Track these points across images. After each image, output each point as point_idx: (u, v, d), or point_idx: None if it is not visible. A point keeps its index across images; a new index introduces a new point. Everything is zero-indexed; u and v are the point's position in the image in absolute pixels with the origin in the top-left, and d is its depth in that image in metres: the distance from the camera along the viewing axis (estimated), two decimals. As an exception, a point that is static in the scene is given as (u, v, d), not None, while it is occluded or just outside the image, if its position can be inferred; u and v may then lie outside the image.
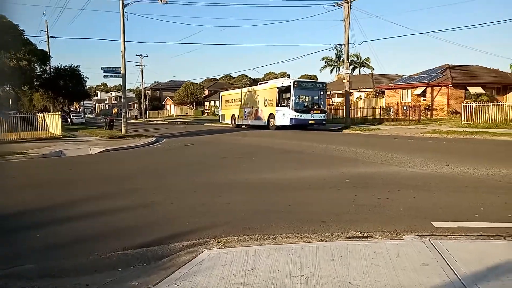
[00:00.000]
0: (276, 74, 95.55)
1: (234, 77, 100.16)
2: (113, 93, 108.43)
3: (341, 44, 29.36)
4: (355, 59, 56.81)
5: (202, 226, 5.07)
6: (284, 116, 24.55)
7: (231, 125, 32.58)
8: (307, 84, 26.41)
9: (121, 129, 24.00)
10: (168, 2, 24.17)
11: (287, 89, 24.85)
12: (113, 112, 74.61)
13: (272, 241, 4.37)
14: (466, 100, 29.59)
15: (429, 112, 32.23)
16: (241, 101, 31.41)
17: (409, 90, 34.85)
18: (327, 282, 3.22)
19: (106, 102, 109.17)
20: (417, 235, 4.35)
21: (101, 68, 24.33)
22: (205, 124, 41.75)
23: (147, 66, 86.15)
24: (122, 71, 23.76)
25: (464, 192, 6.74)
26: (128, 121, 24.99)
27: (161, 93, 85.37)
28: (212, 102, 74.29)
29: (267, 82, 29.76)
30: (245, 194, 7.07)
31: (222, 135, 23.69)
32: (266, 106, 27.14)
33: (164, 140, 20.60)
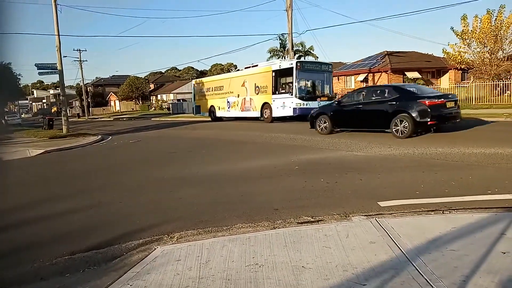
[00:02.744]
0: (222, 65, 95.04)
1: (180, 70, 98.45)
2: (51, 91, 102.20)
3: (285, 34, 29.72)
4: (300, 47, 57.73)
5: (154, 223, 4.96)
6: (285, 105, 20.56)
7: (209, 118, 28.55)
8: (312, 65, 21.84)
9: (62, 129, 22.77)
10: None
11: (287, 72, 20.67)
12: (52, 111, 70.47)
13: (226, 233, 4.37)
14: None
15: (372, 97, 33.63)
16: (221, 89, 27.00)
17: (352, 77, 36.18)
18: (281, 268, 3.28)
19: (44, 101, 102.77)
20: (364, 215, 4.55)
21: (35, 65, 22.80)
22: (152, 119, 40.68)
23: (86, 61, 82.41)
24: (59, 67, 22.42)
25: (405, 171, 7.13)
26: (69, 120, 23.75)
27: (104, 89, 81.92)
28: (159, 96, 72.59)
29: (256, 65, 24.41)
30: (197, 187, 7.00)
31: (170, 130, 23.23)
32: (258, 94, 22.85)
33: (110, 137, 19.84)
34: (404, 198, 5.23)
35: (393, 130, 11.53)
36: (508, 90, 22.48)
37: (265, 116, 22.17)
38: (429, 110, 10.91)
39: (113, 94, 77.02)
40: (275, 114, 21.33)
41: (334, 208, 4.99)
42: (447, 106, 11.47)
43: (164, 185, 7.40)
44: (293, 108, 20.03)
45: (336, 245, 3.67)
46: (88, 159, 12.88)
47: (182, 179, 7.83)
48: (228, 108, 26.00)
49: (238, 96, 24.88)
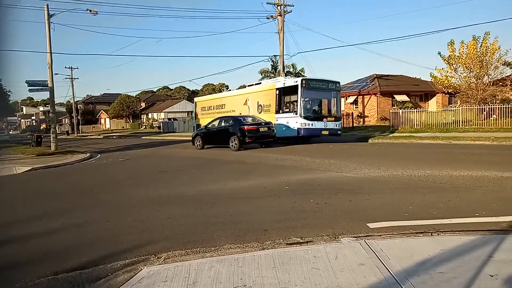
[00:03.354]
0: (214, 85, 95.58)
1: (172, 89, 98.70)
2: (41, 108, 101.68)
3: (276, 56, 30.14)
4: (291, 69, 58.55)
5: (141, 243, 4.87)
6: (289, 124, 19.60)
7: None
8: (318, 83, 20.45)
9: (50, 146, 22.52)
10: (98, 13, 23.23)
11: (292, 90, 19.87)
12: (41, 127, 69.86)
13: (214, 253, 4.31)
14: (393, 107, 31.71)
15: (362, 119, 34.06)
16: (222, 108, 25.69)
17: (342, 99, 36.60)
18: (269, 290, 3.23)
19: (33, 118, 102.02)
20: (353, 237, 4.53)
21: (26, 82, 22.73)
22: (142, 137, 40.50)
23: (78, 79, 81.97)
24: (50, 84, 22.38)
25: (394, 193, 7.17)
26: (58, 137, 23.51)
27: (95, 107, 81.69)
28: (150, 114, 72.54)
29: (260, 83, 24.14)
30: (186, 207, 6.93)
31: (161, 148, 23.12)
32: (260, 112, 21.80)
33: (99, 155, 19.65)
34: (393, 219, 5.24)
35: (230, 145, 17.93)
36: (494, 114, 22.96)
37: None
38: (246, 133, 17.53)
39: (103, 112, 76.78)
40: (279, 134, 19.71)
41: (324, 229, 4.97)
42: (260, 130, 18.22)
43: (152, 204, 7.31)
44: (297, 129, 19.00)
45: (325, 266, 3.64)
46: (75, 177, 12.70)
47: (171, 198, 7.75)
48: None
49: (240, 115, 23.39)
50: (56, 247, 5.05)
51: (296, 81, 19.79)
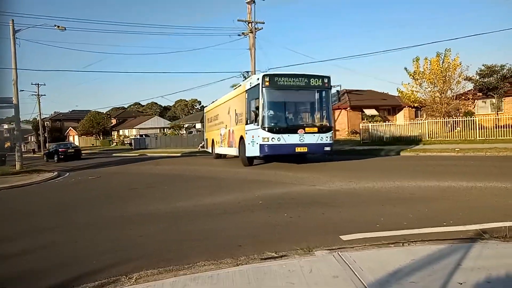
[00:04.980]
0: (187, 101, 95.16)
1: (144, 105, 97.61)
2: (5, 126, 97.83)
3: (248, 71, 30.41)
4: (263, 85, 59.01)
5: (112, 263, 4.72)
6: (254, 140, 14.36)
7: (212, 156, 23.01)
8: (290, 80, 14.13)
9: (15, 165, 21.68)
10: (66, 29, 22.84)
11: (255, 92, 14.39)
12: (6, 146, 67.13)
13: (187, 271, 4.22)
14: (363, 121, 32.48)
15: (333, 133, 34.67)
16: (217, 119, 21.72)
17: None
18: (244, 306, 3.19)
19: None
20: (327, 250, 4.56)
21: (-11, 98, 21.91)
22: (113, 154, 39.61)
23: (44, 95, 79.90)
24: (15, 101, 21.70)
25: (366, 205, 7.29)
26: (24, 156, 22.68)
27: (63, 124, 79.55)
28: (121, 131, 71.25)
29: (240, 85, 18.63)
30: (158, 224, 6.79)
31: (132, 165, 22.66)
32: (237, 124, 17.18)
33: (67, 174, 19.06)
34: (365, 231, 5.32)
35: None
36: (458, 127, 23.90)
37: (241, 155, 16.09)
38: (60, 151, 31.85)
39: (72, 129, 74.84)
40: (248, 153, 15.14)
41: (298, 242, 4.97)
42: (68, 151, 32.49)
43: (124, 222, 7.12)
44: (260, 145, 13.75)
45: (299, 280, 3.64)
46: (41, 197, 12.23)
47: (143, 216, 7.58)
48: (221, 142, 20.36)
49: (226, 127, 19.27)
50: (21, 269, 4.81)
51: (258, 79, 14.20)
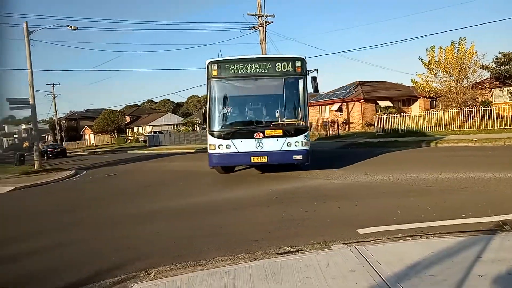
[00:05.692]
0: (199, 97, 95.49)
1: (157, 102, 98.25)
2: (23, 126, 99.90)
3: (260, 66, 30.21)
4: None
5: (130, 259, 4.79)
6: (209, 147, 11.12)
7: None
8: (245, 66, 10.65)
9: (33, 164, 22.11)
10: (78, 29, 23.07)
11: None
12: (24, 146, 68.57)
13: (205, 266, 4.26)
14: (377, 113, 32.12)
15: (347, 126, 34.38)
16: None
17: (327, 106, 36.96)
18: (262, 301, 3.20)
19: (16, 136, 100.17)
20: (344, 244, 4.54)
21: (7, 100, 22.30)
22: (128, 152, 40.06)
23: (60, 95, 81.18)
24: (31, 102, 22.06)
25: (382, 198, 7.23)
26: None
27: (79, 123, 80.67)
28: (135, 128, 71.98)
29: None
30: (174, 221, 6.86)
31: (147, 163, 22.89)
32: None
33: (85, 172, 19.36)
34: (382, 224, 5.28)
35: None
36: (475, 117, 23.45)
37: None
38: (49, 150, 39.50)
39: (87, 127, 75.88)
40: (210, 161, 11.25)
41: (314, 237, 4.96)
42: (55, 150, 39.91)
43: (140, 219, 7.21)
44: (208, 154, 10.90)
45: (316, 275, 3.63)
46: (60, 195, 12.46)
47: (158, 213, 7.66)
48: None
49: None
50: (42, 266, 4.93)
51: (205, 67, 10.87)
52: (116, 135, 69.77)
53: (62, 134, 61.76)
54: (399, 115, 27.19)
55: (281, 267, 3.90)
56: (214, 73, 10.61)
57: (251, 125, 10.70)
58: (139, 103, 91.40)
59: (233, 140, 10.41)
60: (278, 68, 10.61)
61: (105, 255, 5.12)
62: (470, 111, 23.63)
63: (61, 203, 10.70)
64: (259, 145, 10.33)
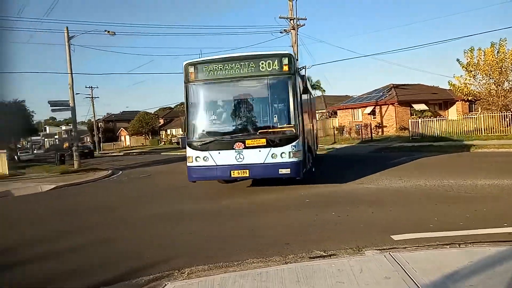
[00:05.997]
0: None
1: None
2: (63, 127, 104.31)
3: (292, 69, 30.10)
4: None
5: (164, 258, 4.90)
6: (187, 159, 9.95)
7: None
8: (225, 67, 9.41)
9: (73, 164, 23.03)
10: (116, 34, 23.86)
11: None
12: (64, 146, 71.54)
13: (237, 268, 4.30)
14: (412, 116, 31.25)
15: (380, 129, 33.67)
16: None
17: (360, 110, 36.34)
18: (294, 304, 3.20)
19: (56, 137, 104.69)
20: (378, 249, 4.46)
21: (48, 102, 23.36)
22: (162, 153, 40.91)
23: (98, 98, 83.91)
24: (71, 104, 23.00)
25: (418, 204, 7.03)
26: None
27: (115, 125, 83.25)
28: (168, 130, 73.45)
29: None
30: (206, 222, 6.95)
31: (179, 164, 23.29)
32: None
33: (121, 172, 19.96)
34: (418, 231, 5.14)
35: None
36: (517, 121, 22.37)
37: None
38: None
39: (123, 129, 78.15)
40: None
41: (346, 242, 4.90)
42: (85, 151, 37.36)
43: (174, 219, 7.36)
44: (187, 167, 9.67)
45: (349, 280, 3.58)
46: (98, 195, 12.91)
47: (190, 214, 7.80)
48: None
49: None
50: (80, 263, 5.13)
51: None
52: (150, 137, 71.49)
53: (100, 136, 63.93)
54: (435, 118, 26.34)
55: (313, 271, 3.87)
56: (192, 76, 9.54)
57: (231, 134, 9.36)
58: (172, 106, 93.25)
59: (210, 152, 9.21)
60: (262, 67, 9.21)
61: (141, 254, 5.27)
62: (511, 115, 22.56)
63: (98, 202, 11.09)
64: (239, 157, 8.99)
